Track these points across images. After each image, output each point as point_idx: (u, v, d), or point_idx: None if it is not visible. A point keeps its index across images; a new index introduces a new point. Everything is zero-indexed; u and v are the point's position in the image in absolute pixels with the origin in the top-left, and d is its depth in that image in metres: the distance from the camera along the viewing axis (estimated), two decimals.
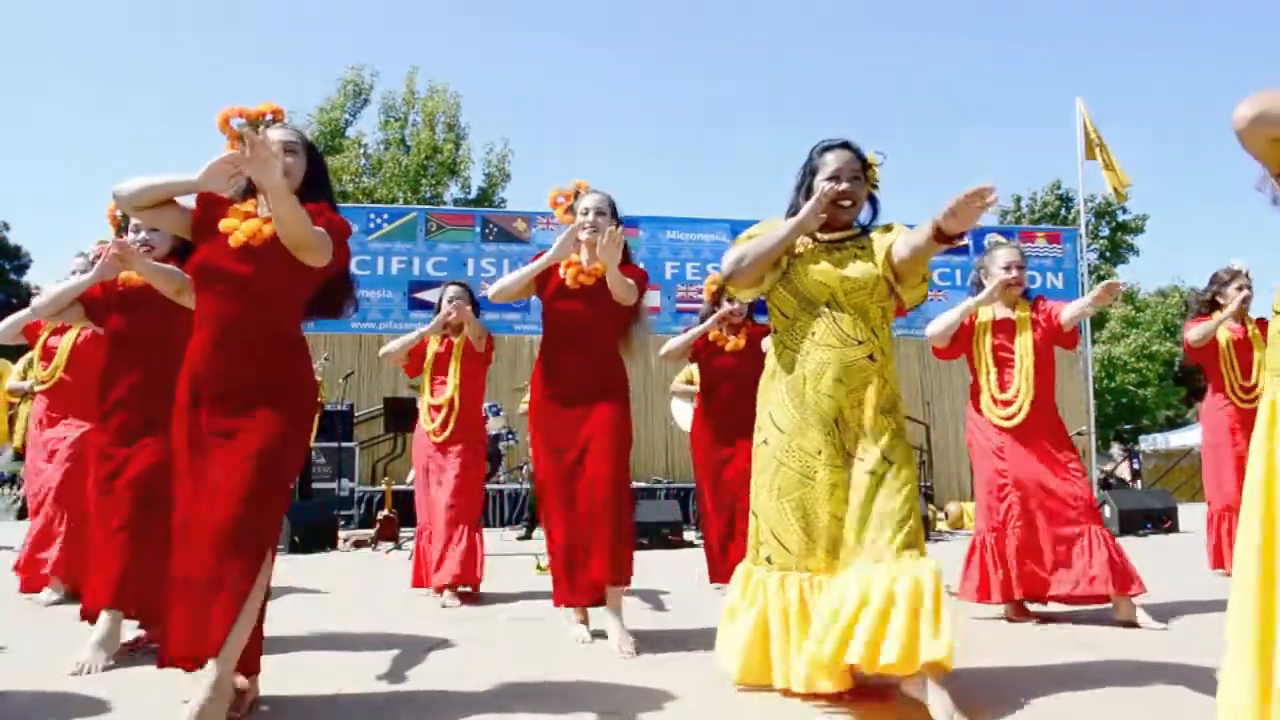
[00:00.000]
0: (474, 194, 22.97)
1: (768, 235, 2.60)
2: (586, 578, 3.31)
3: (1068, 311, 3.87)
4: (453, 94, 22.81)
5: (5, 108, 44.27)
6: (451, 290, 4.78)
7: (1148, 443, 21.13)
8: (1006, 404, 3.80)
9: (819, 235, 2.66)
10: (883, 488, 2.44)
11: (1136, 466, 19.40)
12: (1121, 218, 28.32)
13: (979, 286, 3.96)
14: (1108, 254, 28.07)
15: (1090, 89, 42.12)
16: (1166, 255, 45.06)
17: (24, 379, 7.14)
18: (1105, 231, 28.23)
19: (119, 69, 42.09)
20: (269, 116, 2.60)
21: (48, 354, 4.75)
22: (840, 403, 2.51)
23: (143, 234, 3.30)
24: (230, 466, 2.30)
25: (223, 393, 2.37)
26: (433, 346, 4.85)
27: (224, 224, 2.47)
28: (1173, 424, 27.06)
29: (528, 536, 8.52)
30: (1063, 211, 26.98)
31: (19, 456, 9.25)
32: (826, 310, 2.55)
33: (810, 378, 2.53)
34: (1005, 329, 3.88)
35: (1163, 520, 8.37)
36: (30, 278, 27.40)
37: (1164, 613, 3.83)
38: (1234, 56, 45.23)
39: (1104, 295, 3.72)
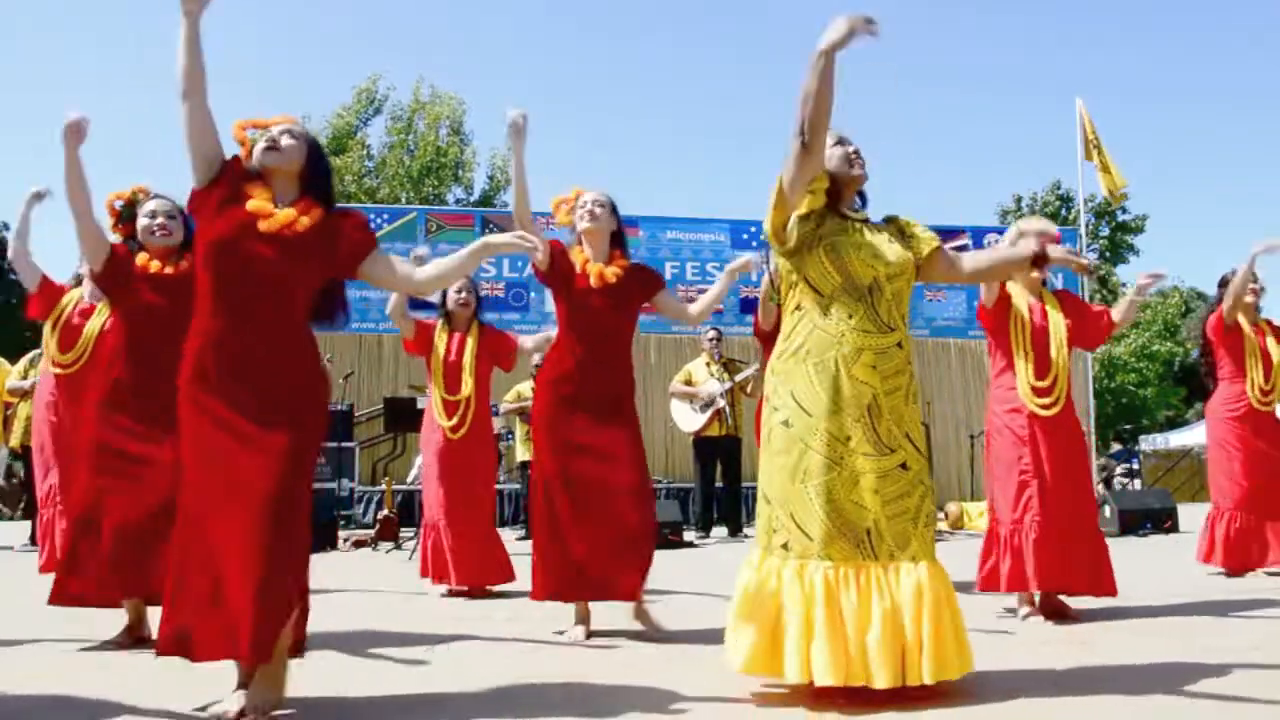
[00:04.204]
0: (476, 196, 23.14)
1: (809, 72, 2.37)
2: (599, 576, 3.37)
3: (1118, 313, 3.99)
4: (458, 99, 23.07)
5: (6, 108, 44.27)
6: (458, 282, 4.81)
7: (1148, 443, 21.09)
8: (1045, 393, 3.77)
9: (850, 213, 2.65)
10: (918, 485, 2.48)
11: (1135, 466, 19.39)
12: (1121, 218, 28.32)
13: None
14: (1108, 254, 28.06)
15: (1090, 89, 42.09)
16: (1166, 255, 45.12)
17: (24, 378, 7.13)
18: (1105, 231, 28.22)
19: (126, 71, 42.08)
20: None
21: (69, 335, 4.55)
22: (875, 390, 2.48)
23: (159, 219, 3.34)
24: (264, 465, 2.28)
25: (241, 383, 2.32)
26: (441, 341, 4.84)
27: (252, 205, 2.39)
28: (1173, 424, 27.03)
29: (528, 536, 8.51)
30: (1063, 211, 26.96)
31: (16, 456, 9.24)
32: (868, 294, 2.52)
33: (845, 362, 2.48)
34: (1040, 317, 3.86)
35: (1163, 520, 8.37)
36: None
37: (1163, 613, 3.84)
38: (1235, 56, 45.21)
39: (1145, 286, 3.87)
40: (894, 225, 2.71)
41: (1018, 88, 47.13)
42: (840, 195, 2.65)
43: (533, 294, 11.40)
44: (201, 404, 2.33)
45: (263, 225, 2.38)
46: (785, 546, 2.45)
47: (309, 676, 2.60)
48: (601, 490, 3.38)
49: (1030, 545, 3.65)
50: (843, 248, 2.53)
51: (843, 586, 2.39)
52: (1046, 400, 3.75)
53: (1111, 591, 3.75)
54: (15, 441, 7.47)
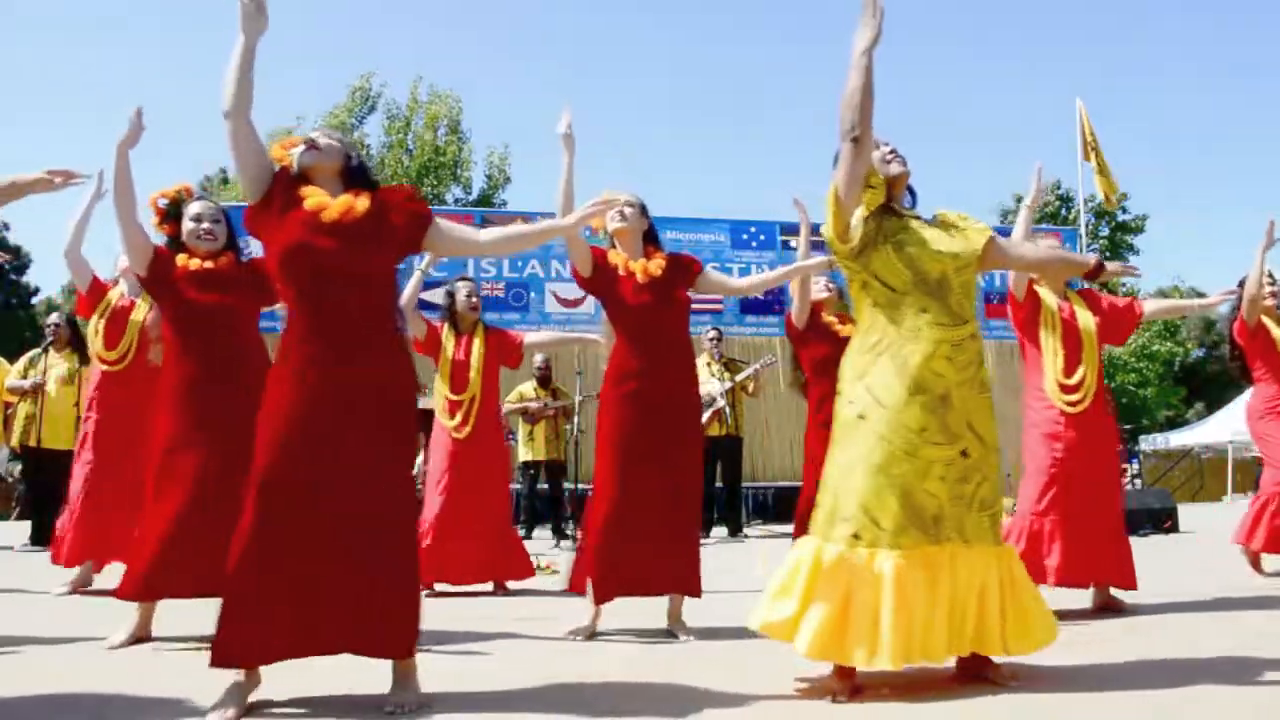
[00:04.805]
0: (475, 196, 23.15)
1: (851, 73, 2.46)
2: (633, 574, 3.39)
3: (1151, 305, 4.15)
4: (455, 97, 23.05)
5: (5, 109, 44.29)
6: (466, 286, 4.96)
7: (1148, 443, 21.12)
8: (1073, 389, 3.82)
9: (904, 211, 2.70)
10: (975, 472, 2.53)
11: (1136, 466, 19.43)
12: (1121, 218, 28.34)
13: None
14: (1108, 254, 28.06)
15: (1090, 89, 42.14)
16: (1166, 255, 45.25)
17: (24, 378, 7.12)
18: (1105, 231, 28.23)
19: (127, 72, 42.10)
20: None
21: (114, 331, 4.59)
22: (950, 381, 2.52)
23: (205, 224, 3.39)
24: (372, 461, 2.37)
25: (336, 385, 2.35)
26: (449, 342, 4.88)
27: (310, 202, 2.43)
28: (1173, 424, 27.06)
29: (528, 536, 8.51)
30: (1063, 211, 26.98)
31: (15, 456, 9.23)
32: (938, 288, 2.57)
33: (923, 356, 2.51)
34: (1069, 315, 3.92)
35: (1163, 520, 8.38)
36: (30, 278, 27.38)
37: (1163, 611, 3.84)
38: (1234, 56, 45.28)
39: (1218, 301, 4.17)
40: (944, 221, 2.74)
41: (1018, 88, 47.20)
42: (891, 195, 2.70)
43: (533, 294, 11.39)
44: (296, 397, 2.34)
45: (325, 216, 2.42)
46: (856, 536, 2.45)
47: (310, 675, 2.60)
48: (657, 493, 3.39)
49: (1057, 540, 3.73)
50: (908, 244, 2.59)
51: (909, 573, 2.40)
52: (1074, 397, 3.82)
53: (1132, 585, 3.85)
54: (15, 441, 7.45)
